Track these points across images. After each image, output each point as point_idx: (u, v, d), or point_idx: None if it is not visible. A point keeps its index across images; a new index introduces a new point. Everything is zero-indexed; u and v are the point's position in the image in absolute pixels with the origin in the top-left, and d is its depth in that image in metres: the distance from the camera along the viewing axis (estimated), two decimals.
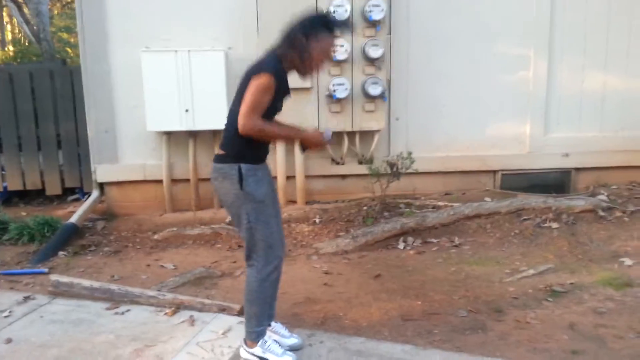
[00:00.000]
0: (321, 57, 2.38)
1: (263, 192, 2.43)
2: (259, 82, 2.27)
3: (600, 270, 3.68)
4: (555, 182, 5.42)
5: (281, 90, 2.36)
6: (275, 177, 4.86)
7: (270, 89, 2.29)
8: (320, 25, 2.35)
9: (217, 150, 2.52)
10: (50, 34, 11.09)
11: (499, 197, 4.92)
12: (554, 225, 4.41)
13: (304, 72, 2.42)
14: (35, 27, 10.93)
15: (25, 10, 11.61)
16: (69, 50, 12.60)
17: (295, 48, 2.34)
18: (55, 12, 14.89)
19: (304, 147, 2.52)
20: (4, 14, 15.64)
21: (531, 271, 3.68)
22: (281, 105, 2.48)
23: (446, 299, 3.28)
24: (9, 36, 16.26)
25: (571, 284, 3.45)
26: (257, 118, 2.30)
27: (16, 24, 14.12)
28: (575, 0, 5.25)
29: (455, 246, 4.22)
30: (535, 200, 4.66)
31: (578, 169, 5.47)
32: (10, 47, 14.97)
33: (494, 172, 5.38)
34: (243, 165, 2.39)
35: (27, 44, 12.47)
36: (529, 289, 3.40)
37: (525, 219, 4.50)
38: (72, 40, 13.10)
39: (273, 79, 2.28)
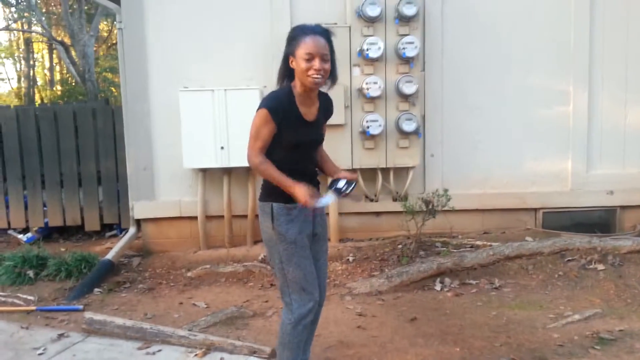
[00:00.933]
0: (305, 62, 2.27)
1: (295, 232, 2.39)
2: (255, 117, 2.35)
3: None
4: (600, 221, 5.19)
5: (288, 122, 2.34)
6: None
7: (268, 123, 2.31)
8: (294, 35, 2.35)
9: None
10: (95, 75, 11.61)
11: (541, 237, 4.73)
12: (600, 266, 4.20)
13: (304, 83, 2.34)
14: (81, 68, 11.47)
15: (73, 52, 12.22)
16: (113, 89, 13.13)
17: (280, 74, 2.42)
18: (101, 53, 15.62)
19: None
20: (54, 56, 16.52)
21: (577, 316, 3.48)
22: (307, 136, 2.41)
23: (487, 346, 3.12)
24: (57, 76, 17.12)
25: (620, 330, 3.24)
26: (257, 153, 2.34)
27: (64, 65, 14.85)
28: (615, 32, 5.13)
29: (496, 288, 4.05)
30: (580, 240, 4.46)
31: (623, 207, 5.22)
32: (58, 87, 15.74)
33: (535, 210, 5.20)
34: (275, 205, 2.38)
35: (73, 83, 13.07)
36: (574, 336, 3.20)
37: (569, 260, 4.29)
38: (116, 80, 13.67)
39: (266, 112, 2.31)
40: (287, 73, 2.40)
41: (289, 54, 2.36)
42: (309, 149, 2.50)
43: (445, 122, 5.14)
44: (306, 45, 2.29)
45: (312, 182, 2.48)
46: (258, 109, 2.35)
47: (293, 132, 2.36)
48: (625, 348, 3.02)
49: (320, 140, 2.55)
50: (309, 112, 2.44)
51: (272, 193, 2.40)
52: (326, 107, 2.55)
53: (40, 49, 17.56)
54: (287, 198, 2.38)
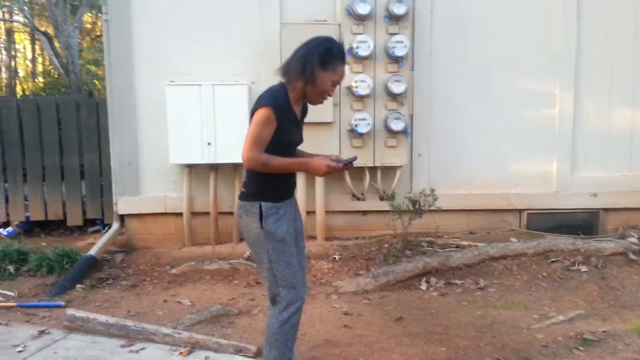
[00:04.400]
0: (330, 86, 2.34)
1: (283, 230, 2.37)
2: (258, 116, 2.26)
3: (634, 317, 3.51)
4: (583, 223, 5.26)
5: (287, 122, 2.32)
6: None
7: (270, 123, 2.26)
8: (334, 53, 2.31)
9: (241, 187, 2.49)
10: (78, 67, 11.41)
11: (525, 238, 4.78)
12: (583, 268, 4.25)
13: (313, 101, 2.40)
14: (64, 60, 11.27)
15: (56, 43, 12.01)
16: (96, 82, 12.93)
17: (305, 76, 2.30)
18: (85, 45, 15.37)
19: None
20: (36, 47, 16.21)
21: (560, 317, 3.52)
22: (297, 137, 2.44)
23: (472, 346, 3.13)
24: (39, 68, 16.81)
25: (603, 332, 3.28)
26: (259, 152, 2.26)
27: (46, 57, 14.60)
28: (602, 36, 5.20)
29: (481, 288, 4.08)
30: (564, 242, 4.51)
31: (607, 210, 5.30)
32: (40, 79, 15.45)
33: (520, 211, 5.25)
34: (263, 204, 2.35)
35: (56, 76, 12.85)
36: (558, 337, 3.24)
37: (553, 261, 4.34)
38: (99, 72, 13.47)
39: (271, 111, 2.25)
40: (307, 77, 2.30)
41: (319, 65, 2.28)
42: (294, 149, 2.50)
43: (433, 122, 5.16)
44: (341, 74, 2.36)
45: (294, 178, 2.51)
46: (259, 108, 2.26)
47: (288, 132, 2.35)
48: (609, 349, 3.05)
49: (301, 141, 2.52)
50: (298, 112, 2.45)
51: (261, 192, 2.37)
52: (305, 107, 2.55)
53: (22, 40, 17.23)
54: (276, 196, 2.38)
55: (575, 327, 3.35)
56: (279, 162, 2.29)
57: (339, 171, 2.32)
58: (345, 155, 4.87)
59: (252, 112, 2.31)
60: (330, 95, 2.40)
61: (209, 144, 4.82)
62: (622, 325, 3.38)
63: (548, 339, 3.20)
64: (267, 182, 2.36)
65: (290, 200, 2.49)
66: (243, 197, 2.42)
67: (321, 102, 2.42)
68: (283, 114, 2.30)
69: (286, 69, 2.37)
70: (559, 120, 5.24)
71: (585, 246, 4.45)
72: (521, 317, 3.55)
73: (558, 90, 5.21)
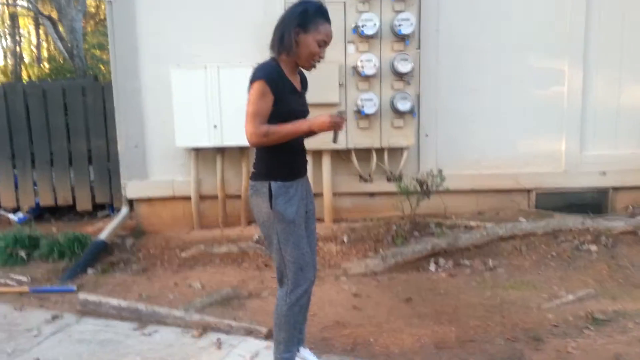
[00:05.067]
0: (317, 47, 2.30)
1: (293, 211, 2.36)
2: (252, 91, 2.26)
3: None
4: (593, 202, 5.21)
5: (283, 92, 2.30)
6: None
7: (266, 94, 2.24)
8: (311, 12, 2.28)
9: (251, 168, 2.47)
10: (83, 51, 11.36)
11: (534, 217, 4.75)
12: (593, 247, 4.23)
13: (304, 66, 2.38)
14: (69, 44, 11.22)
15: (60, 27, 11.94)
16: (101, 66, 12.88)
17: (284, 45, 2.29)
18: (89, 29, 15.28)
19: (335, 136, 2.36)
20: (40, 32, 16.14)
21: (570, 297, 3.52)
22: (299, 105, 2.41)
23: (481, 326, 3.15)
24: (44, 53, 16.76)
25: (614, 311, 3.28)
26: (259, 124, 2.24)
27: (51, 42, 14.55)
28: (611, 12, 5.08)
29: (490, 269, 4.08)
30: (573, 221, 4.48)
31: (616, 188, 5.25)
32: (46, 64, 15.42)
33: (528, 191, 5.21)
34: (273, 183, 2.34)
35: (61, 60, 12.81)
36: (568, 316, 3.24)
37: (562, 241, 4.33)
38: (104, 57, 13.39)
39: (264, 83, 2.24)
40: (287, 46, 2.29)
41: (298, 27, 2.27)
42: (300, 119, 2.45)
43: (440, 102, 5.10)
44: (325, 31, 2.31)
45: (303, 156, 2.50)
46: (253, 82, 2.26)
47: (288, 102, 2.32)
48: (619, 328, 3.06)
49: (307, 111, 2.49)
50: (296, 82, 2.42)
51: (270, 172, 2.36)
52: (304, 79, 2.53)
53: (26, 24, 17.14)
54: (285, 175, 2.36)
55: (585, 307, 3.35)
56: (281, 128, 2.26)
57: (339, 126, 2.27)
58: (350, 138, 4.84)
59: (248, 90, 2.30)
60: (321, 57, 2.35)
61: (215, 126, 4.81)
62: (632, 304, 3.38)
63: (558, 319, 3.21)
64: (276, 160, 2.35)
65: (302, 180, 2.47)
66: (253, 177, 2.41)
67: (314, 67, 2.38)
68: (277, 84, 2.28)
69: (271, 44, 2.36)
70: (568, 97, 5.16)
71: (595, 225, 4.43)
72: (531, 297, 3.56)
73: (567, 68, 5.12)
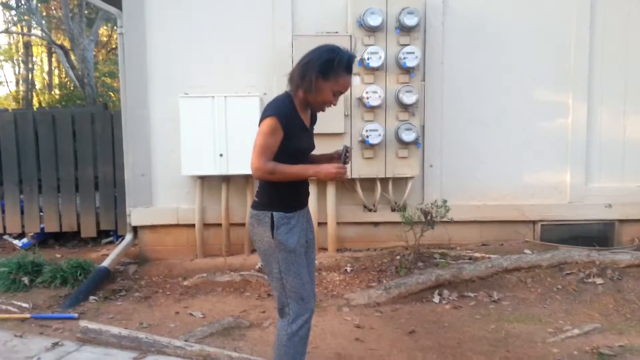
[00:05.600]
0: (331, 96, 2.35)
1: (295, 241, 2.38)
2: (263, 126, 2.29)
3: None
4: (598, 234, 5.18)
5: (294, 129, 2.34)
6: None
7: (277, 131, 2.28)
8: (336, 62, 2.29)
9: (254, 197, 2.50)
10: (94, 79, 11.58)
11: (539, 249, 4.71)
12: (599, 280, 4.18)
13: (315, 109, 2.44)
14: (80, 73, 11.44)
15: (72, 56, 12.20)
16: (111, 94, 13.11)
17: (304, 86, 2.32)
18: (100, 57, 15.60)
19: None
20: (53, 59, 16.50)
21: (576, 331, 3.46)
22: (306, 143, 2.46)
23: None
24: (56, 80, 17.09)
25: (620, 346, 3.22)
26: (266, 161, 2.28)
27: (63, 69, 14.83)
28: (615, 45, 5.15)
29: (494, 301, 4.03)
30: (579, 254, 4.44)
31: (622, 221, 5.22)
32: (57, 91, 15.70)
33: (533, 222, 5.19)
34: (275, 213, 2.36)
35: (72, 88, 13.05)
36: (574, 351, 3.19)
37: (568, 274, 4.28)
38: (115, 84, 13.65)
39: (276, 120, 2.28)
40: (306, 87, 2.32)
41: (319, 73, 2.29)
42: (307, 156, 2.51)
43: (444, 133, 5.14)
44: (344, 84, 2.35)
45: (306, 188, 2.54)
46: (264, 118, 2.30)
47: (298, 138, 2.37)
48: None
49: (313, 147, 2.54)
50: (306, 119, 2.47)
51: (273, 202, 2.38)
52: (313, 114, 2.56)
53: (40, 53, 17.54)
54: (287, 206, 2.39)
55: (591, 341, 3.29)
56: (287, 169, 2.31)
57: (346, 163, 2.35)
58: (355, 168, 4.87)
59: (260, 122, 2.34)
60: (333, 104, 2.40)
61: (220, 155, 4.85)
62: (639, 339, 3.32)
63: (563, 353, 3.15)
64: (279, 191, 2.38)
65: (303, 211, 2.49)
66: (255, 206, 2.44)
67: (323, 110, 2.45)
68: (289, 121, 2.32)
69: (290, 78, 2.40)
70: (572, 130, 5.19)
71: (601, 258, 4.38)
72: (536, 331, 3.50)
73: (571, 100, 5.17)
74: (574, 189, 5.21)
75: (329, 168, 2.30)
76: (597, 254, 4.47)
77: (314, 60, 2.31)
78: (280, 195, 2.39)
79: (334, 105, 2.42)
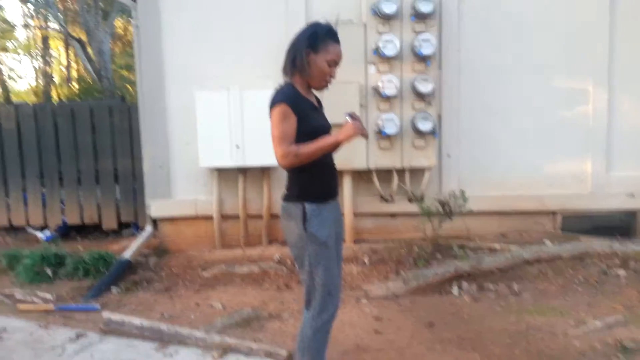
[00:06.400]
0: (327, 67, 2.36)
1: (325, 233, 2.36)
2: (274, 115, 2.30)
3: None
4: (621, 225, 5.09)
5: (304, 110, 2.34)
6: None
7: (289, 116, 2.29)
8: (320, 34, 2.34)
9: (284, 189, 2.48)
10: (111, 72, 11.67)
11: (560, 240, 4.65)
12: (621, 272, 4.12)
13: (316, 87, 2.43)
14: (97, 65, 11.54)
15: (89, 49, 12.30)
16: (128, 87, 13.21)
17: (297, 66, 2.35)
18: (117, 50, 15.70)
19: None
20: (70, 53, 16.65)
21: (598, 323, 3.42)
22: (322, 121, 2.46)
23: (506, 353, 3.07)
24: (74, 73, 17.26)
25: None
26: (288, 146, 2.28)
27: (80, 63, 14.97)
28: (635, 31, 5.02)
29: (515, 293, 3.99)
30: (600, 245, 4.38)
31: None
32: (75, 84, 15.87)
33: (553, 213, 5.12)
34: (307, 205, 2.34)
35: (90, 81, 13.17)
36: (596, 344, 3.15)
37: (589, 265, 4.22)
38: (132, 77, 13.73)
39: (285, 105, 2.28)
40: (299, 67, 2.35)
41: (309, 48, 2.33)
42: (326, 135, 2.45)
43: (461, 122, 5.08)
44: (335, 52, 2.37)
45: (335, 176, 2.51)
46: (274, 107, 2.31)
47: (310, 119, 2.36)
48: None
49: (330, 127, 2.51)
50: (313, 100, 2.48)
51: (303, 193, 2.37)
52: (318, 98, 2.57)
53: (57, 46, 17.72)
54: (319, 195, 2.38)
55: (613, 334, 3.25)
56: (311, 146, 2.29)
57: (363, 129, 2.30)
58: (372, 158, 4.84)
59: (269, 116, 2.34)
60: (331, 76, 2.40)
61: (237, 146, 4.87)
62: None
63: (585, 347, 3.12)
64: (309, 181, 2.37)
65: (334, 202, 2.48)
66: (286, 198, 2.43)
67: (325, 86, 2.44)
68: (297, 104, 2.32)
69: (284, 68, 2.42)
70: (593, 118, 5.10)
71: (623, 249, 4.31)
72: (557, 323, 3.47)
73: (591, 87, 5.07)
74: (595, 178, 5.12)
75: (347, 128, 2.28)
76: (619, 244, 4.40)
77: (298, 40, 2.37)
78: (310, 184, 2.37)
79: (333, 77, 2.41)
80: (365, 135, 2.32)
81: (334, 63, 2.37)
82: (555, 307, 3.75)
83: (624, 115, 5.13)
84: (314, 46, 2.33)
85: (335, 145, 2.33)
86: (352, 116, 2.32)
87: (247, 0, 5.00)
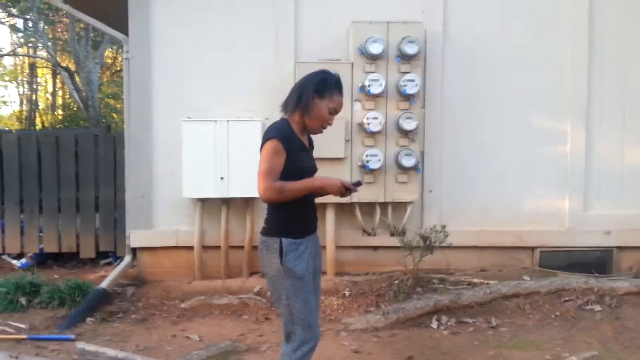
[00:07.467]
0: (328, 115, 2.45)
1: (303, 268, 2.39)
2: (266, 149, 2.35)
3: None
4: (597, 261, 5.18)
5: (295, 149, 2.40)
6: None
7: (279, 152, 2.34)
8: (329, 83, 2.43)
9: (263, 222, 2.52)
10: (97, 100, 11.71)
11: (538, 276, 4.72)
12: (597, 307, 4.18)
13: (313, 130, 2.50)
14: (84, 95, 11.58)
15: (77, 78, 12.36)
16: (114, 115, 13.23)
17: (301, 106, 2.42)
18: (105, 79, 15.79)
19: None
20: (57, 80, 16.70)
21: (574, 358, 3.45)
22: (309, 162, 2.52)
23: None
24: (59, 101, 17.27)
25: None
26: (273, 181, 2.32)
27: (66, 90, 15.01)
28: (613, 73, 5.21)
29: (492, 327, 4.01)
30: (577, 281, 4.45)
31: (620, 248, 5.23)
32: (60, 111, 15.85)
33: (532, 248, 5.20)
34: (284, 240, 2.38)
35: (75, 109, 13.18)
36: None
37: (566, 300, 4.28)
38: (118, 106, 13.79)
39: (278, 141, 2.34)
40: (303, 106, 2.42)
41: (315, 93, 2.41)
42: (311, 176, 2.52)
43: (444, 158, 5.18)
44: (339, 102, 2.48)
45: (314, 212, 2.57)
46: (266, 141, 2.36)
47: (299, 159, 2.42)
48: None
49: (316, 168, 2.59)
50: (305, 141, 2.54)
51: (281, 228, 2.41)
52: (310, 139, 2.64)
53: (44, 74, 17.77)
54: (296, 231, 2.41)
55: None
56: (295, 185, 2.35)
57: (350, 192, 2.39)
58: (356, 192, 4.88)
59: (261, 148, 2.39)
60: (329, 124, 2.49)
61: (221, 178, 4.89)
62: None
63: None
64: (288, 216, 2.41)
65: (312, 236, 2.52)
66: (264, 232, 2.46)
67: (320, 132, 2.52)
68: (290, 142, 2.38)
69: (285, 102, 2.49)
70: (571, 156, 5.23)
71: (599, 285, 4.39)
72: (534, 358, 3.49)
73: (569, 128, 5.21)
74: (573, 215, 5.22)
75: (336, 181, 2.37)
76: (595, 281, 4.47)
77: (309, 82, 2.44)
78: (288, 220, 2.41)
79: (330, 125, 2.51)
80: (345, 196, 2.41)
81: (335, 111, 2.47)
82: (532, 341, 3.77)
83: (601, 155, 5.27)
84: (321, 91, 2.42)
85: (320, 191, 2.42)
86: (357, 184, 2.40)
87: (237, 36, 5.11)
